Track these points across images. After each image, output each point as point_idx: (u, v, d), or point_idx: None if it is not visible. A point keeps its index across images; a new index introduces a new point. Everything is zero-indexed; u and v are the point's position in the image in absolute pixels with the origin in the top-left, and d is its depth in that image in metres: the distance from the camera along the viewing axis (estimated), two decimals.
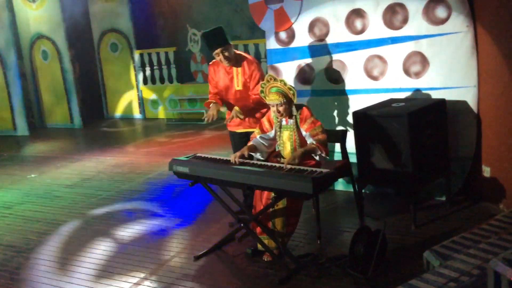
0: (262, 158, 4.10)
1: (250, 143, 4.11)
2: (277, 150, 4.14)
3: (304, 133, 3.92)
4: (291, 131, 3.98)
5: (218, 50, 4.36)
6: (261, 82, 4.03)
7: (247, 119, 4.58)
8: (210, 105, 4.58)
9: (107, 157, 8.06)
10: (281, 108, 3.87)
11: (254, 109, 4.52)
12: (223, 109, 4.67)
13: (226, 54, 4.36)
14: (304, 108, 3.95)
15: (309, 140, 3.90)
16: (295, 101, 3.87)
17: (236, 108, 4.44)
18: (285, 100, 3.83)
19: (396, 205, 4.75)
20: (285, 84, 3.83)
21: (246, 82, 4.48)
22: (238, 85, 4.48)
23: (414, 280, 2.92)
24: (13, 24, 10.81)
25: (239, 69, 4.48)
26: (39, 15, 11.03)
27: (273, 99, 3.85)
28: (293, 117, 3.94)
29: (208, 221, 4.90)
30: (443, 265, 3.01)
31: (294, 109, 3.90)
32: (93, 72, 11.97)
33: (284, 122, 4.02)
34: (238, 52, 4.61)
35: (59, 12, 10.76)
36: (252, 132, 4.50)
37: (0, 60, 10.78)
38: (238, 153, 3.93)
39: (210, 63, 4.70)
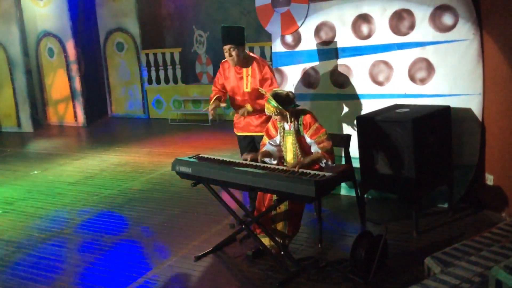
0: (274, 162, 4.10)
1: (263, 149, 4.13)
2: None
3: (308, 140, 3.93)
4: (293, 136, 3.99)
5: (227, 47, 4.34)
6: (258, 89, 4.09)
7: (252, 123, 4.57)
8: (212, 100, 4.60)
9: (110, 155, 8.08)
10: (277, 117, 3.95)
11: (262, 110, 4.51)
12: (223, 105, 4.66)
13: (234, 53, 4.34)
14: (307, 114, 3.96)
15: (314, 148, 3.91)
16: (287, 113, 3.88)
17: (248, 106, 4.44)
18: (278, 112, 3.88)
19: (398, 211, 4.74)
20: (272, 99, 3.82)
21: (256, 85, 4.44)
22: (247, 87, 4.46)
23: (415, 286, 2.91)
24: (20, 21, 10.86)
25: (249, 70, 4.46)
26: (46, 13, 11.09)
27: (269, 111, 3.90)
28: (294, 122, 3.94)
29: (210, 222, 4.90)
30: (444, 272, 3.01)
31: (288, 118, 3.92)
32: (98, 70, 12.02)
33: (287, 127, 4.03)
34: (251, 54, 4.55)
35: (66, 10, 10.82)
36: (256, 136, 4.53)
37: (6, 57, 10.84)
38: (252, 155, 3.97)
39: (223, 61, 4.66)
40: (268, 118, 4.37)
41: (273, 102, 3.83)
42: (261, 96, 4.42)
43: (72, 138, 10.22)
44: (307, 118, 3.93)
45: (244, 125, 4.60)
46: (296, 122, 3.94)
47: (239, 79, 4.49)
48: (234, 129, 4.75)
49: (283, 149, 4.10)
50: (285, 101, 3.85)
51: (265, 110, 3.95)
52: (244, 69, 4.47)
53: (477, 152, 4.50)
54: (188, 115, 11.03)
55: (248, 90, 4.45)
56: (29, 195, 6.26)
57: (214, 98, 4.60)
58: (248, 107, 4.46)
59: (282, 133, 4.06)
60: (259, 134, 4.54)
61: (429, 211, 4.65)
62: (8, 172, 7.53)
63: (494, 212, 4.41)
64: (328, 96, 5.23)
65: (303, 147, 3.98)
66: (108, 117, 12.04)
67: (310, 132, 3.91)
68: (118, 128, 10.96)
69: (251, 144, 4.63)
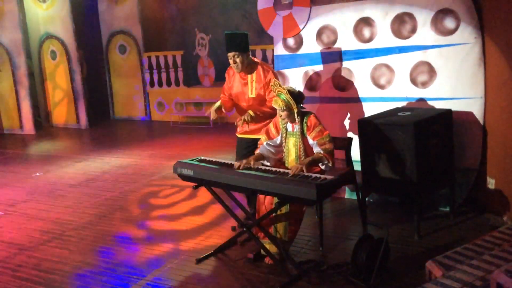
0: (268, 164, 4.11)
1: (257, 152, 4.12)
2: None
3: (311, 141, 3.93)
4: (296, 138, 4.00)
5: (231, 54, 4.36)
6: (270, 84, 4.07)
7: (256, 126, 4.57)
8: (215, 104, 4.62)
9: (112, 157, 8.09)
10: (283, 114, 3.93)
11: (266, 116, 4.51)
12: (224, 111, 4.67)
13: (238, 60, 4.35)
14: (311, 116, 3.96)
15: (316, 149, 3.91)
16: (296, 110, 3.90)
17: (250, 111, 4.43)
18: (286, 107, 3.88)
19: (399, 214, 4.74)
20: (287, 92, 3.86)
21: (260, 91, 4.43)
22: (252, 93, 4.45)
23: None
24: (23, 24, 10.90)
25: (254, 76, 4.45)
26: (49, 15, 11.12)
27: (277, 104, 3.90)
28: (299, 124, 3.95)
29: (211, 224, 4.91)
30: (445, 276, 3.00)
31: (295, 116, 3.92)
32: (100, 73, 12.04)
33: (290, 129, 4.04)
34: (255, 59, 4.55)
35: (69, 13, 10.85)
36: (259, 139, 4.53)
37: (9, 59, 10.87)
38: (244, 161, 3.93)
39: (229, 67, 4.67)
40: (269, 123, 4.38)
41: (284, 95, 3.85)
42: (265, 102, 4.44)
43: (74, 140, 10.23)
44: (311, 119, 3.94)
45: (247, 129, 4.60)
46: (300, 123, 3.95)
47: (243, 85, 4.49)
48: (236, 132, 4.75)
49: (284, 150, 4.10)
50: (296, 98, 3.88)
51: (273, 103, 3.95)
52: (249, 75, 4.47)
53: (478, 156, 4.50)
54: (190, 118, 11.03)
55: (253, 95, 4.45)
56: (31, 196, 6.27)
57: (219, 103, 4.62)
58: (250, 112, 4.44)
59: (284, 135, 4.07)
60: (260, 136, 4.55)
61: (431, 214, 4.64)
62: (10, 173, 7.55)
63: (496, 215, 4.41)
64: (330, 99, 5.24)
65: (307, 149, 3.98)
66: (110, 119, 12.06)
67: (313, 133, 3.91)
68: (120, 130, 10.97)
69: (249, 148, 4.61)
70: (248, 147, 4.57)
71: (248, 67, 4.44)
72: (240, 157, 4.55)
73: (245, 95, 4.50)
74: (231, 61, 4.40)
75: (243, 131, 4.64)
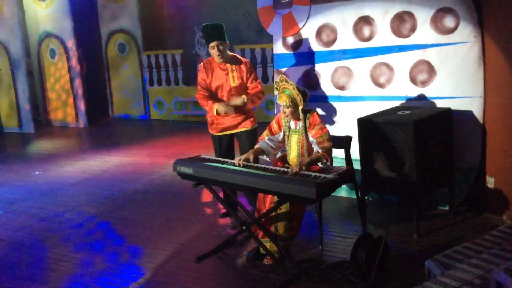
0: (269, 160, 4.12)
1: (257, 146, 4.13)
2: (283, 152, 4.16)
3: (311, 138, 3.94)
4: (299, 135, 4.00)
5: (214, 43, 4.51)
6: (275, 81, 4.11)
7: (234, 121, 4.68)
8: (219, 105, 4.62)
9: (112, 156, 8.08)
10: (287, 110, 3.92)
11: (244, 110, 4.66)
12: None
13: (221, 48, 4.52)
14: (314, 113, 3.97)
15: (315, 147, 3.91)
16: (301, 106, 3.89)
17: (244, 96, 4.57)
18: (291, 104, 3.87)
19: (399, 213, 4.74)
20: (294, 88, 3.86)
21: (243, 80, 4.63)
22: (234, 82, 4.61)
23: None
24: (22, 22, 10.88)
25: (234, 66, 4.63)
26: (48, 14, 11.11)
27: (281, 100, 3.91)
28: (302, 121, 3.95)
29: (210, 223, 4.91)
30: (444, 274, 3.00)
31: (300, 113, 3.92)
32: (99, 72, 12.03)
33: (293, 126, 4.04)
34: (231, 53, 4.74)
35: (68, 11, 10.84)
36: (236, 133, 4.67)
37: (8, 57, 10.86)
38: (243, 157, 3.95)
39: (201, 63, 4.78)
40: (247, 117, 4.63)
41: (290, 91, 3.86)
42: (247, 90, 4.65)
43: (73, 139, 10.23)
44: (314, 116, 3.94)
45: (228, 125, 4.70)
46: (303, 120, 3.95)
47: (225, 75, 4.62)
48: (212, 130, 4.81)
49: (286, 147, 4.10)
50: (302, 95, 3.89)
51: (277, 100, 3.97)
52: (229, 65, 4.63)
53: (478, 155, 4.50)
54: (189, 117, 11.03)
55: (235, 84, 4.62)
56: (30, 195, 6.27)
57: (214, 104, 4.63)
58: (244, 97, 4.57)
59: (287, 132, 4.06)
60: (239, 130, 4.71)
61: (430, 213, 4.65)
62: (10, 172, 7.55)
63: (495, 214, 4.41)
64: (329, 98, 5.24)
65: (309, 146, 3.99)
66: (110, 118, 12.05)
67: (314, 131, 3.91)
68: (119, 129, 10.97)
69: (228, 143, 4.76)
70: (226, 143, 4.74)
71: (228, 57, 4.62)
72: (219, 156, 4.62)
73: (227, 85, 4.64)
74: (214, 51, 4.54)
75: (219, 128, 4.71)
